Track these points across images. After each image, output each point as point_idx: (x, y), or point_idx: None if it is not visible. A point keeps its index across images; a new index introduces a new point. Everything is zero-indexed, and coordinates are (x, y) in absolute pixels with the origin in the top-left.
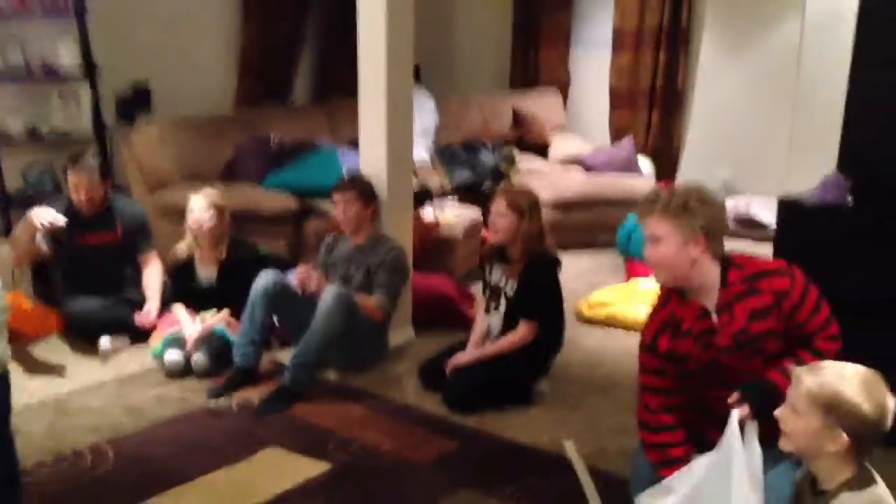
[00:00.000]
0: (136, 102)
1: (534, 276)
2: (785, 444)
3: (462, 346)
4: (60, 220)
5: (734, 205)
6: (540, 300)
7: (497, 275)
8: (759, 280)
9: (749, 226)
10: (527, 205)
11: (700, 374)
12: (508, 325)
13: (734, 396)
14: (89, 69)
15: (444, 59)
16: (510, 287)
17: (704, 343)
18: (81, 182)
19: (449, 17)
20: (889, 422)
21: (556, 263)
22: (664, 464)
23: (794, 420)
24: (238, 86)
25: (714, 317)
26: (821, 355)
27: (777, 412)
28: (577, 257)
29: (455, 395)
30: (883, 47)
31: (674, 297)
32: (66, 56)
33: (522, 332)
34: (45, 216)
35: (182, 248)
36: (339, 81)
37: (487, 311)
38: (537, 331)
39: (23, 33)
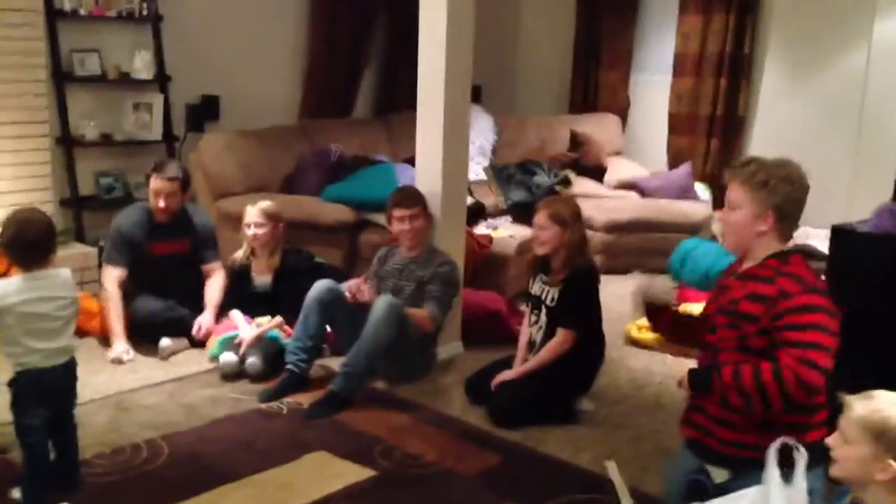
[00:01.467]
0: (204, 112)
1: (574, 286)
2: (835, 472)
3: (508, 361)
4: (129, 357)
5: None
6: (579, 310)
7: (538, 286)
8: (782, 277)
9: (806, 257)
10: (568, 215)
11: (703, 323)
12: (550, 336)
13: (682, 378)
14: (162, 78)
15: (506, 80)
16: (550, 298)
17: (715, 295)
18: (163, 190)
19: (512, 39)
20: None
21: (596, 274)
22: None
23: (845, 447)
24: (302, 98)
25: (734, 279)
26: (778, 368)
27: (828, 439)
28: (629, 280)
29: (499, 410)
30: None
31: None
32: (141, 65)
33: (561, 340)
34: (119, 354)
35: (239, 255)
36: (399, 98)
37: (530, 323)
38: (575, 340)
39: (100, 40)
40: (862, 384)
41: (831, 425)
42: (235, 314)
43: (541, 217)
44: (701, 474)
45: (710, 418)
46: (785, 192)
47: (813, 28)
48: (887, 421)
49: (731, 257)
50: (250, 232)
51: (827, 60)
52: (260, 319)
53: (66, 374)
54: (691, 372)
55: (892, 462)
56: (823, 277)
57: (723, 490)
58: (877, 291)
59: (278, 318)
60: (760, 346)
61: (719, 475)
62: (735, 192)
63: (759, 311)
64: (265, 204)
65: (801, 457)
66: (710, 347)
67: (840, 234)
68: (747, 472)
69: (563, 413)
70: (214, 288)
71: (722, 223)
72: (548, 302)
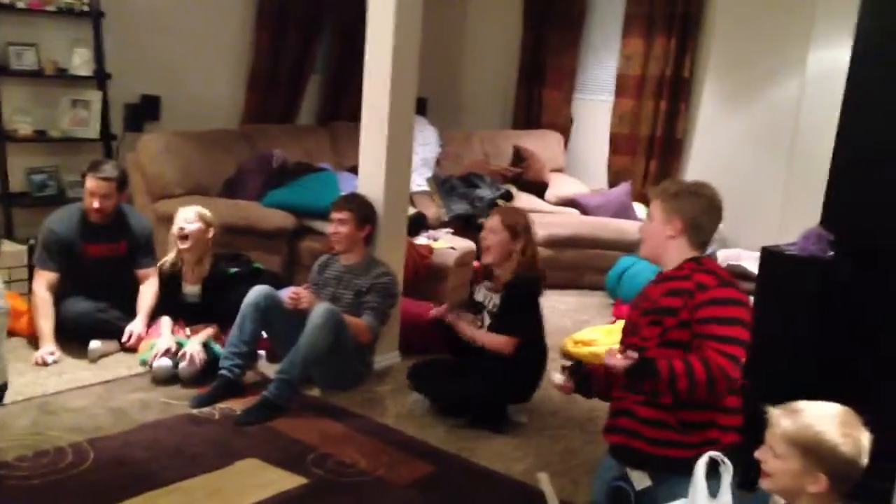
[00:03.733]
0: (144, 112)
1: (515, 293)
2: (766, 484)
3: (451, 362)
4: (54, 359)
5: (725, 256)
6: (519, 317)
7: (482, 293)
8: (697, 272)
9: (738, 277)
10: (521, 226)
11: (626, 330)
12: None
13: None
14: (101, 75)
15: (451, 93)
16: (493, 304)
17: (636, 303)
18: (98, 190)
19: (458, 54)
20: (866, 459)
21: (540, 284)
22: None
23: (774, 462)
24: (246, 103)
25: (653, 284)
26: (706, 363)
27: (757, 453)
28: (567, 296)
29: (441, 397)
30: (868, 107)
31: None
32: (80, 61)
33: (504, 341)
34: (43, 355)
35: (168, 261)
36: (344, 107)
37: None
38: (516, 347)
39: (38, 34)
40: (785, 402)
41: (754, 436)
42: (165, 322)
43: (493, 221)
44: (623, 481)
45: (637, 420)
46: (691, 202)
47: (750, 56)
48: (816, 436)
49: None
50: (178, 227)
51: (762, 87)
52: (194, 327)
53: None
54: (636, 364)
55: (821, 475)
56: (752, 298)
57: (644, 495)
58: (801, 313)
59: (212, 328)
60: (682, 339)
61: (641, 481)
62: (652, 206)
63: (678, 303)
64: (200, 207)
65: (727, 470)
66: (634, 350)
67: (768, 256)
68: (669, 476)
69: (497, 419)
70: (147, 294)
71: (640, 233)
72: (490, 307)
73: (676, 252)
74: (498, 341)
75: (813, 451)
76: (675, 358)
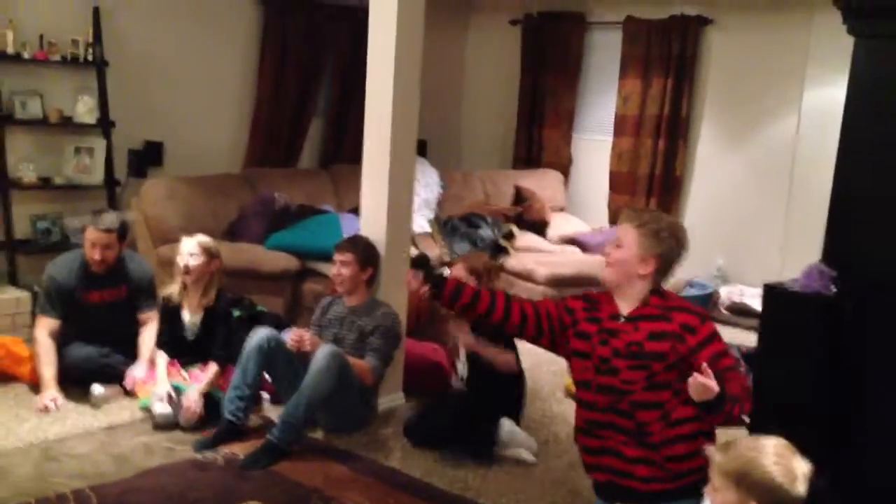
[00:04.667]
0: (147, 158)
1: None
2: None
3: (447, 401)
4: (58, 403)
5: (728, 292)
6: (502, 339)
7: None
8: (673, 311)
9: (741, 314)
10: (483, 269)
11: (596, 371)
12: (473, 368)
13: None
14: (106, 123)
15: (451, 135)
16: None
17: (604, 339)
18: (99, 241)
19: (458, 96)
20: (801, 488)
21: None
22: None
23: (714, 495)
24: (248, 147)
25: (622, 322)
26: (745, 387)
27: (705, 489)
28: None
29: (419, 432)
30: (866, 144)
31: (607, 294)
32: (84, 109)
33: (510, 355)
34: (47, 402)
35: (173, 290)
36: (345, 149)
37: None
38: (516, 359)
39: (43, 83)
40: (790, 437)
41: None
42: (160, 364)
43: (458, 268)
44: None
45: (626, 460)
46: (670, 247)
47: (746, 94)
48: (744, 466)
49: None
50: (183, 262)
51: (759, 125)
52: (191, 369)
53: None
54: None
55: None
56: (756, 334)
57: None
58: (805, 348)
59: (212, 371)
60: (669, 381)
61: None
62: (626, 232)
63: (665, 347)
64: (202, 237)
65: None
66: (610, 391)
67: (771, 293)
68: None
69: (482, 441)
70: (149, 337)
71: (605, 256)
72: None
73: (640, 287)
74: (502, 357)
75: (744, 479)
76: (733, 383)
